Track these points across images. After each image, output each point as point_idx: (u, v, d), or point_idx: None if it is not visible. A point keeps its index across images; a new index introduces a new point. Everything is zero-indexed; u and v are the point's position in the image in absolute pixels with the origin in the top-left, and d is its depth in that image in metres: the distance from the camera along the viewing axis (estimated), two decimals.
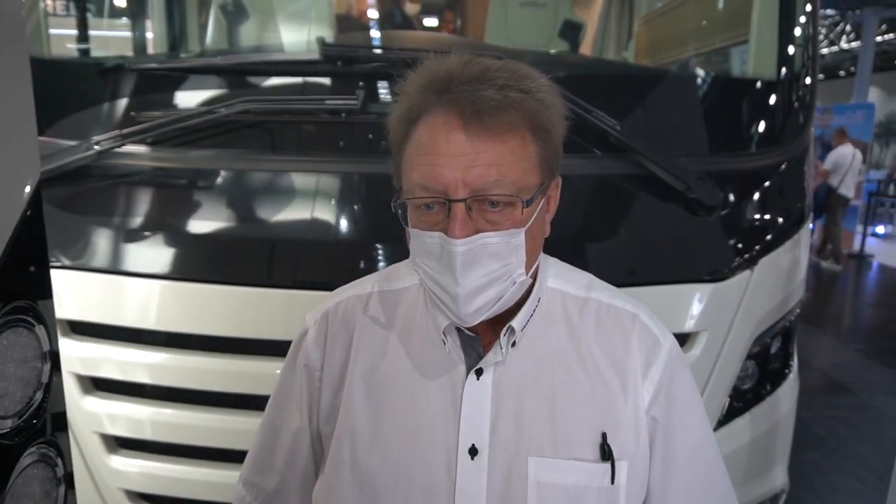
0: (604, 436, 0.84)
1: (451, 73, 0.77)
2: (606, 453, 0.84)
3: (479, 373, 0.86)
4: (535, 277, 0.90)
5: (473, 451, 0.84)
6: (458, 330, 0.87)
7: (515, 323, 0.86)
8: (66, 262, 1.52)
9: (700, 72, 2.39)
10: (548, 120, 0.80)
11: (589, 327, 0.90)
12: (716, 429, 1.66)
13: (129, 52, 2.62)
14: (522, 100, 0.76)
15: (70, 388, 1.55)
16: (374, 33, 2.46)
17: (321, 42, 1.53)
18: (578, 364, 0.88)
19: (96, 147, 1.51)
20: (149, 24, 2.77)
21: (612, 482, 0.84)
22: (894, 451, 2.02)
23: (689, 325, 1.54)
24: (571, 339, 0.89)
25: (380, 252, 1.49)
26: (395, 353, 0.91)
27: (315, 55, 1.53)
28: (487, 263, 0.78)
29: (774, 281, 1.69)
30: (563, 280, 0.94)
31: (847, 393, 4.40)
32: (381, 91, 1.52)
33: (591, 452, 0.84)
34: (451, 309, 0.82)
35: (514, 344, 0.87)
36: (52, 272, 1.50)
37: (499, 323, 0.87)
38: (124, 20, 2.77)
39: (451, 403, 0.86)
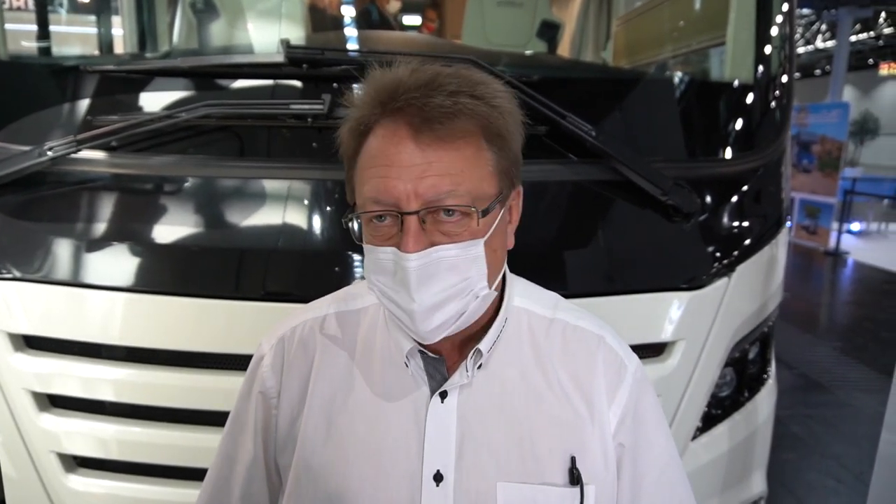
0: (573, 460, 0.82)
1: (398, 82, 0.73)
2: (575, 477, 0.81)
3: (443, 395, 0.83)
4: (501, 296, 0.87)
5: (438, 478, 0.81)
6: (422, 352, 0.84)
7: (483, 345, 0.83)
8: (19, 274, 1.45)
9: (675, 75, 2.38)
10: (503, 127, 0.76)
11: (555, 348, 0.87)
12: (694, 437, 1.64)
13: (92, 51, 2.53)
14: (475, 106, 0.73)
15: (24, 405, 1.49)
16: (344, 34, 2.41)
17: (286, 44, 1.47)
18: (545, 386, 0.85)
19: (50, 153, 1.44)
20: (113, 21, 2.69)
21: None
22: (872, 449, 2.03)
23: (666, 335, 1.52)
24: (538, 361, 0.86)
25: (351, 261, 1.44)
26: (356, 377, 0.87)
27: (280, 58, 1.48)
28: (445, 278, 0.74)
29: (752, 287, 1.67)
30: (529, 299, 0.91)
31: (824, 391, 4.44)
32: (349, 95, 1.47)
33: (560, 477, 0.82)
34: (409, 327, 0.78)
35: (480, 366, 0.84)
36: (5, 284, 1.45)
37: (463, 344, 0.83)
38: (87, 17, 2.68)
39: (414, 428, 0.83)
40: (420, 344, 0.83)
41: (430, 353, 0.84)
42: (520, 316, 0.89)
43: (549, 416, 0.84)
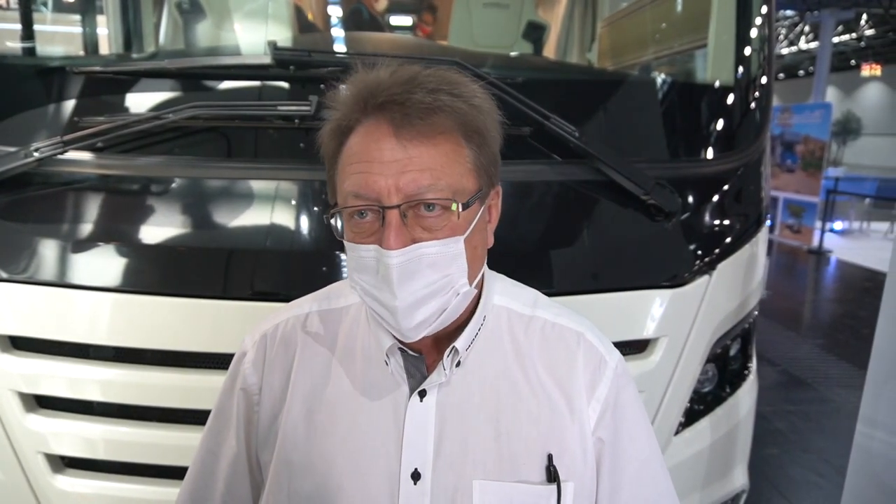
0: (549, 457, 0.83)
1: (380, 81, 0.75)
2: (552, 475, 0.82)
3: (422, 394, 0.84)
4: (479, 295, 0.88)
5: (416, 476, 0.82)
6: (402, 350, 0.85)
7: (459, 343, 0.84)
8: (5, 275, 1.45)
9: (657, 76, 2.41)
10: (482, 124, 0.78)
11: (534, 346, 0.88)
12: (677, 432, 1.67)
13: (78, 51, 2.52)
14: (454, 103, 0.75)
15: (11, 406, 1.48)
16: (331, 36, 2.41)
17: (273, 46, 1.48)
18: (524, 384, 0.86)
19: (36, 154, 1.44)
20: (100, 21, 2.68)
21: (559, 503, 0.83)
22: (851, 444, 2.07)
23: (648, 331, 1.54)
24: (517, 359, 0.87)
25: (337, 261, 1.46)
26: (337, 374, 0.88)
27: (267, 59, 1.49)
28: (426, 275, 0.76)
29: (733, 285, 1.71)
30: (508, 297, 0.92)
31: (806, 387, 4.52)
32: (330, 96, 1.49)
33: (536, 474, 0.83)
34: (391, 324, 0.79)
35: (458, 364, 0.85)
36: None
37: (443, 342, 0.84)
38: (74, 17, 2.66)
39: (393, 426, 0.84)
40: (400, 342, 0.84)
41: (410, 352, 0.85)
42: (499, 314, 0.90)
43: (528, 414, 0.85)
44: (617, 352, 0.93)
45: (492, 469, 0.83)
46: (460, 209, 0.76)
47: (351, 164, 0.76)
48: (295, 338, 0.92)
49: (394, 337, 0.84)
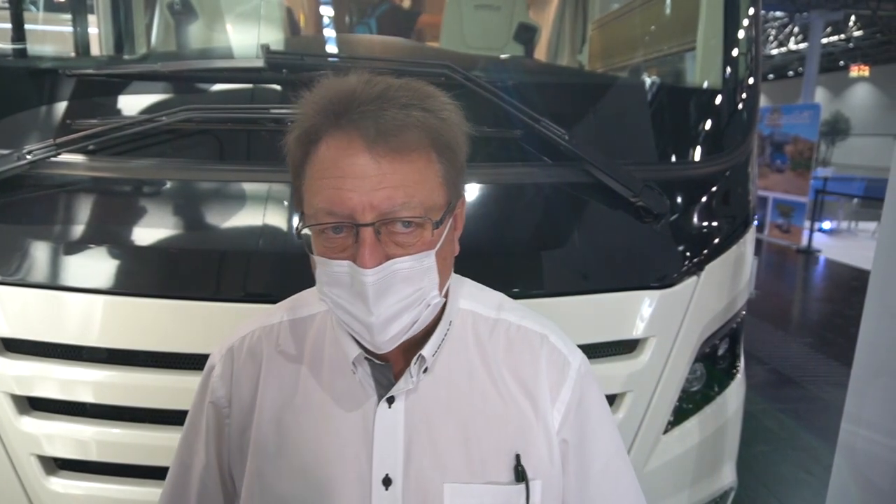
0: (517, 457, 0.85)
1: (352, 93, 0.74)
2: (520, 474, 0.84)
3: (390, 401, 0.85)
4: (446, 300, 0.88)
5: (387, 482, 0.83)
6: (368, 359, 0.85)
7: (426, 351, 0.84)
8: None
9: (646, 79, 2.43)
10: (452, 138, 0.78)
11: (499, 349, 0.89)
12: (666, 431, 1.69)
13: (70, 52, 2.51)
14: (425, 119, 0.75)
15: (4, 408, 1.49)
16: (324, 39, 2.42)
17: (266, 49, 1.49)
18: (490, 386, 0.87)
19: (28, 156, 1.44)
20: (92, 21, 2.67)
21: (528, 502, 0.84)
22: None
23: (637, 332, 1.56)
24: (483, 362, 0.88)
25: None
26: (305, 384, 0.88)
27: (260, 62, 1.50)
28: (400, 289, 0.76)
29: (721, 285, 1.73)
30: (473, 301, 0.93)
31: (795, 385, 4.56)
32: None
33: (505, 475, 0.84)
34: (364, 337, 0.79)
35: (425, 370, 0.85)
36: None
37: (410, 349, 0.85)
38: (63, 16, 2.66)
39: (363, 433, 0.84)
40: (367, 351, 0.84)
41: (377, 360, 0.85)
42: (465, 318, 0.91)
43: (495, 416, 0.86)
44: (580, 352, 0.94)
45: (461, 472, 0.84)
46: (434, 227, 0.76)
47: (322, 179, 0.75)
48: (261, 349, 0.91)
49: (360, 346, 0.84)
